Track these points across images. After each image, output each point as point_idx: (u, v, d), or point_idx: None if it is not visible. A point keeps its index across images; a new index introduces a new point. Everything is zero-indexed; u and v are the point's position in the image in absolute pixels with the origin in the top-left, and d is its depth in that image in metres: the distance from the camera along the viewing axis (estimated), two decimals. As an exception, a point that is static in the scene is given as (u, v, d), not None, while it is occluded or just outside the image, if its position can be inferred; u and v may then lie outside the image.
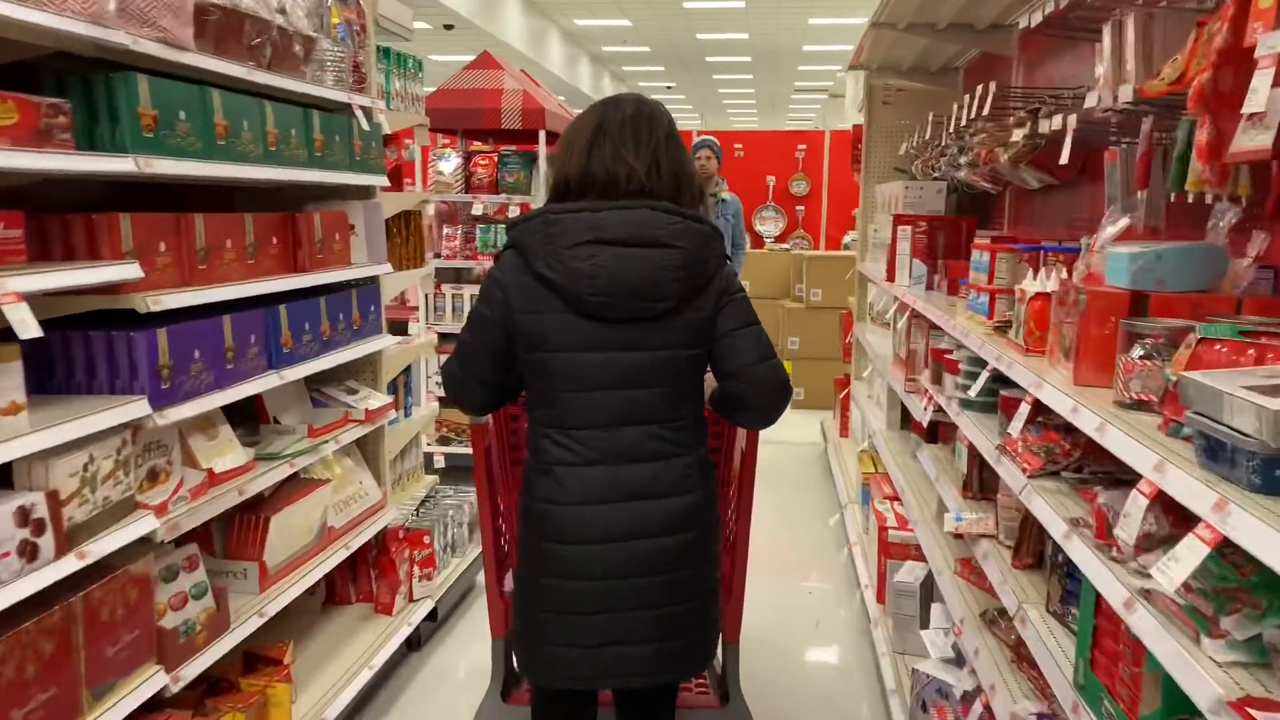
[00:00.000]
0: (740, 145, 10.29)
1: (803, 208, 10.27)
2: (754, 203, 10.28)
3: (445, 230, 5.58)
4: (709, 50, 20.09)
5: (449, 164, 5.52)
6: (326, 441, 3.13)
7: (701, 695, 2.90)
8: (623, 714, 2.39)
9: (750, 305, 2.11)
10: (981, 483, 2.81)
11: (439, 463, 5.55)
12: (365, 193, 3.52)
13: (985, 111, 3.50)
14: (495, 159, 5.65)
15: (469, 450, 4.12)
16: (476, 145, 5.95)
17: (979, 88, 3.61)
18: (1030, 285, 2.43)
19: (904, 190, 5.02)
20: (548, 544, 2.08)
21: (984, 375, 2.59)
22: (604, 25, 18.03)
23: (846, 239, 10.13)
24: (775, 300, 8.56)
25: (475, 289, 5.76)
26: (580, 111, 2.21)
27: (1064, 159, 2.50)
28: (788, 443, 7.08)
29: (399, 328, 5.72)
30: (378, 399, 3.52)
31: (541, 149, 5.57)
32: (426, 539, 3.77)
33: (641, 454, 2.04)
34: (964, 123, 4.03)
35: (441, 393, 2.50)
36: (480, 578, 4.38)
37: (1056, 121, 2.60)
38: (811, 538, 5.32)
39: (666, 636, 2.09)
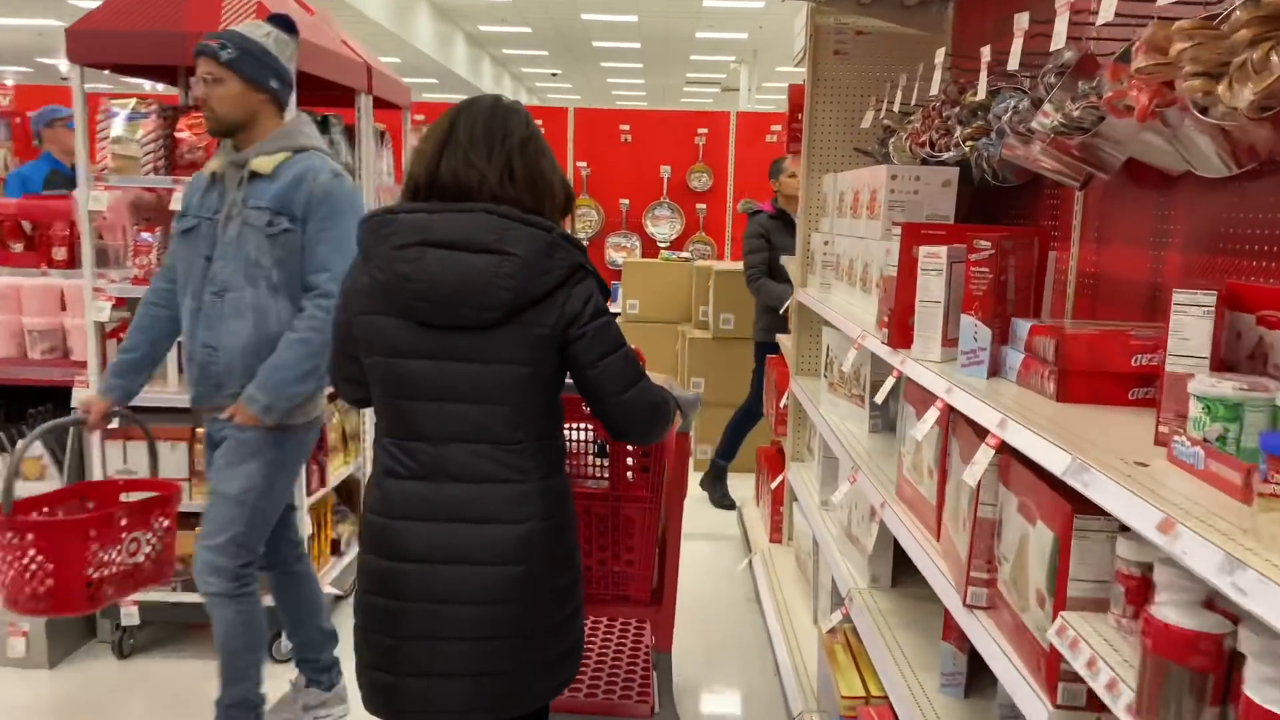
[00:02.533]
0: (627, 127, 8.14)
1: (704, 206, 8.16)
2: (645, 199, 8.13)
3: (142, 234, 3.27)
4: (596, 34, 18.02)
5: (128, 125, 3.19)
6: None
7: (640, 703, 2.83)
8: None
9: (613, 328, 1.92)
10: None
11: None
12: None
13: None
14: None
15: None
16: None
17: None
18: None
19: (889, 180, 2.93)
20: (370, 557, 1.95)
21: None
22: (479, -1, 15.70)
23: (756, 244, 8.05)
24: (671, 325, 6.43)
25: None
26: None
27: None
28: (687, 537, 4.94)
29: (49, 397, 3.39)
30: None
31: (367, 119, 3.30)
32: None
33: (469, 474, 1.88)
34: (1013, 64, 2.05)
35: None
36: None
37: None
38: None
39: (484, 673, 1.91)
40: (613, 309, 2.57)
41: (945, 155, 2.91)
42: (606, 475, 2.62)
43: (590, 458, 2.65)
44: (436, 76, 19.60)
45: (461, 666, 1.89)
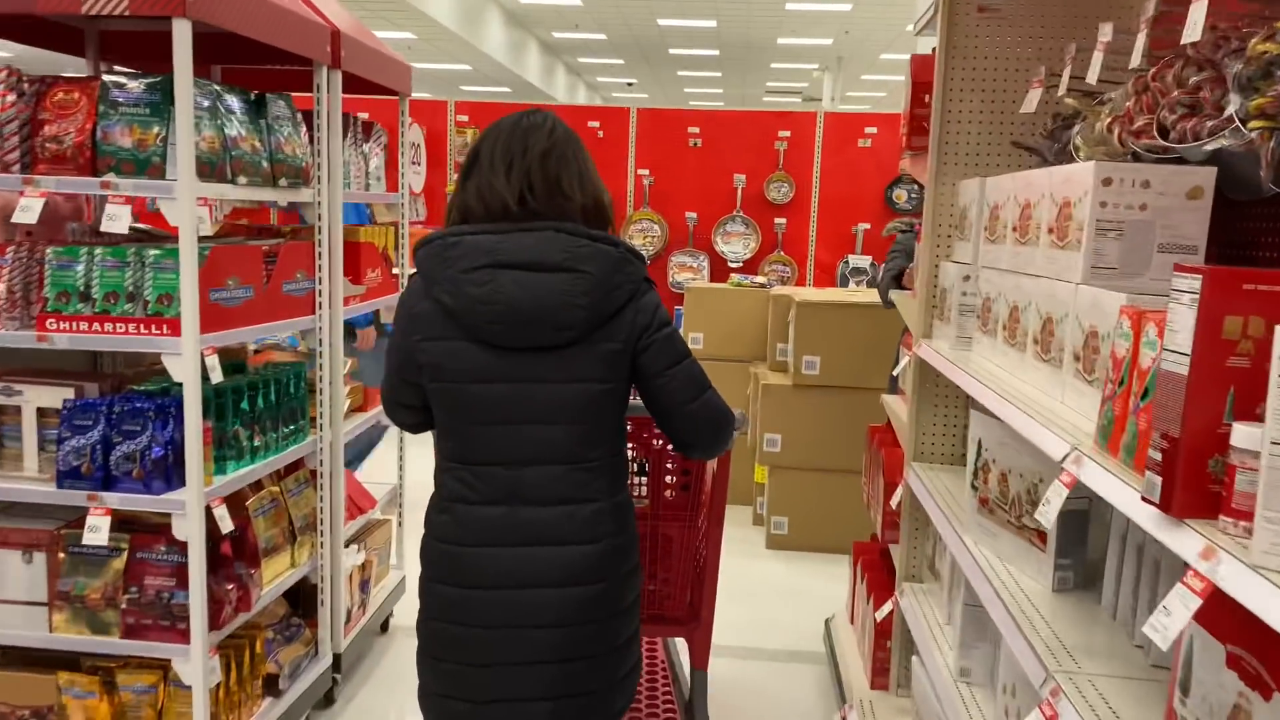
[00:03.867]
0: (697, 130, 6.97)
1: (784, 220, 6.95)
2: (716, 212, 6.95)
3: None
4: (672, 40, 16.95)
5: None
6: None
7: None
8: None
9: (678, 337, 1.88)
10: None
11: None
12: None
13: None
14: (94, 94, 2.32)
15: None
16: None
17: None
18: None
19: (1098, 187, 1.75)
20: (439, 585, 1.87)
21: None
22: (550, 3, 14.68)
23: (843, 267, 6.82)
24: (741, 364, 5.23)
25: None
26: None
27: None
28: (748, 651, 3.76)
29: None
30: None
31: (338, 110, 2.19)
32: None
33: (546, 496, 1.82)
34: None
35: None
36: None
37: None
38: None
39: (565, 694, 1.86)
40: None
41: (1188, 146, 1.70)
42: (646, 494, 2.57)
43: (631, 475, 2.52)
44: (509, 85, 18.74)
45: (545, 690, 1.84)
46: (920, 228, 4.09)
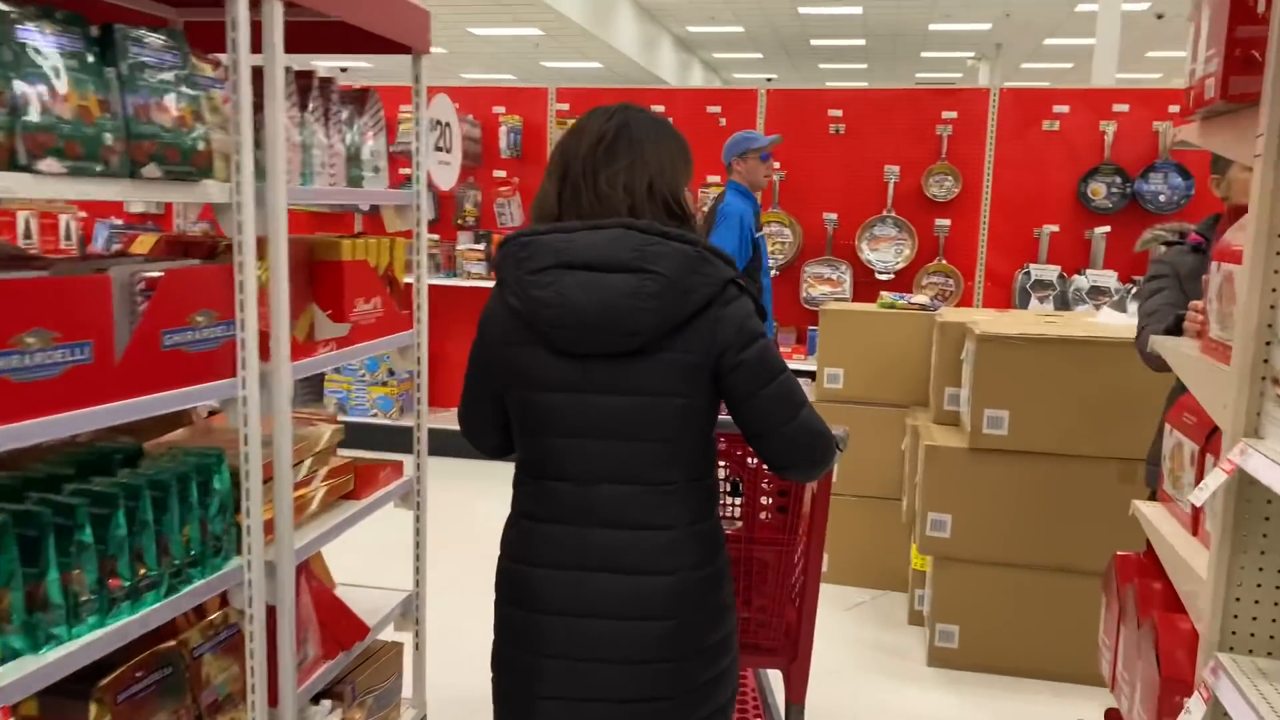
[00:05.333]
0: (839, 113, 5.69)
1: (947, 223, 5.61)
2: (860, 213, 5.67)
3: None
4: (815, 30, 15.65)
5: None
6: None
7: None
8: None
9: (771, 351, 1.67)
10: None
11: None
12: None
13: None
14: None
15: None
16: None
17: None
18: None
19: None
20: (506, 608, 1.76)
21: None
22: (683, -6, 13.63)
23: (1022, 279, 5.42)
24: (894, 411, 3.96)
25: None
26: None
27: None
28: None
29: None
30: None
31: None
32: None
33: (617, 518, 1.66)
34: None
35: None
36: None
37: None
38: None
39: None
40: (801, 375, 2.37)
41: None
42: (739, 515, 2.39)
43: (723, 496, 2.34)
44: (641, 83, 17.78)
45: None
46: (1199, 237, 2.74)
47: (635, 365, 1.62)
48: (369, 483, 2.46)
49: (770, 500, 2.34)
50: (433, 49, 2.53)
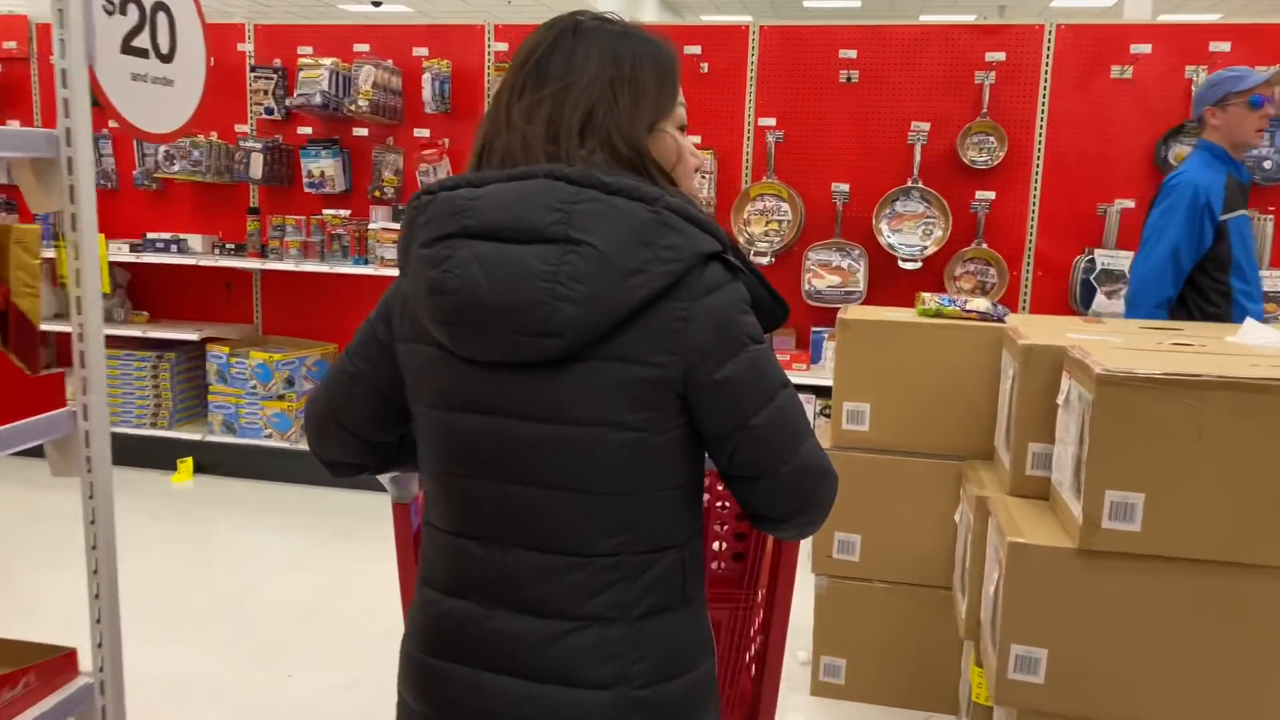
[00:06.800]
0: (852, 54, 4.41)
1: (989, 195, 4.38)
2: (879, 183, 4.42)
3: None
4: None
5: None
6: None
7: None
8: None
9: (767, 360, 1.13)
10: None
11: None
12: None
13: None
14: None
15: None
16: None
17: None
18: None
19: None
20: (403, 698, 1.25)
21: None
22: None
23: (1086, 269, 4.19)
24: (945, 466, 2.76)
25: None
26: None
27: None
28: None
29: None
30: None
31: None
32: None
33: (530, 599, 1.12)
34: None
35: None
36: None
37: None
38: None
39: None
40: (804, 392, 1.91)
41: None
42: None
43: None
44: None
45: None
46: None
47: (562, 379, 1.08)
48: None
49: (724, 546, 1.88)
50: None
